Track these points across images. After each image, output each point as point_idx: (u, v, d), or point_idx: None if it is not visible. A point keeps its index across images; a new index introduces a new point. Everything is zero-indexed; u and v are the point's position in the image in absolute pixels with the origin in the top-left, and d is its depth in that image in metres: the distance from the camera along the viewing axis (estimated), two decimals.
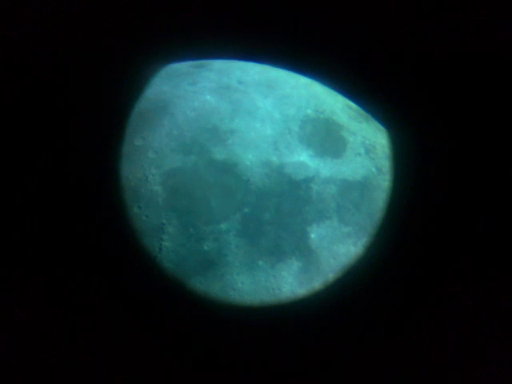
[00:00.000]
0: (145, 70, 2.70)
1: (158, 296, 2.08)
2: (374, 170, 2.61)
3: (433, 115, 2.59)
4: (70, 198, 2.25)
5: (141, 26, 2.50)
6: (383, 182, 2.60)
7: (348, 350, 2.12)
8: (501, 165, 2.07)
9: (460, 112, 2.37)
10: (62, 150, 2.32)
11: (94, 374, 1.73)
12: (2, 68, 1.82)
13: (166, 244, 2.22)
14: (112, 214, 2.25)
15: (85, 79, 2.47)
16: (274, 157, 2.52)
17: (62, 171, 2.28)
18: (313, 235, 2.34)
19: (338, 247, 2.33)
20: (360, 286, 2.31)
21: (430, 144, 2.59)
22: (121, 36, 2.51)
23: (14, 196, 1.96)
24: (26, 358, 1.51)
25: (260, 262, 2.24)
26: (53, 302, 1.89)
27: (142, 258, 2.16)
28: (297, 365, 2.02)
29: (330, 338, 2.15)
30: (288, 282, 2.21)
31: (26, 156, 2.09)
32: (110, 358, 1.85)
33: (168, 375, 1.89)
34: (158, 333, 1.99)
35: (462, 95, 2.33)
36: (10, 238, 1.85)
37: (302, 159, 2.56)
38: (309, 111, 2.71)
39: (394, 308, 2.27)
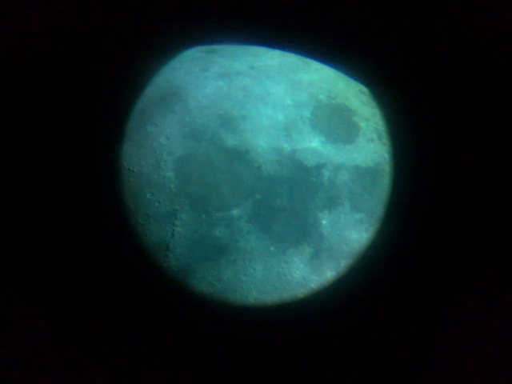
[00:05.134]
0: (158, 56, 2.70)
1: (163, 294, 2.09)
2: (386, 155, 2.59)
3: (437, 104, 2.56)
4: (73, 189, 2.26)
5: (153, 12, 2.49)
6: None
7: (360, 342, 2.12)
8: (502, 151, 2.04)
9: (464, 105, 2.34)
10: (67, 140, 2.33)
11: (95, 372, 1.74)
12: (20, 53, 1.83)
13: (179, 229, 2.23)
14: (118, 204, 2.26)
15: (95, 67, 2.48)
16: (286, 143, 2.51)
17: (66, 161, 2.29)
18: (324, 222, 2.33)
19: (350, 233, 2.33)
20: (372, 273, 2.30)
21: (433, 132, 2.57)
22: (132, 23, 2.50)
23: (15, 191, 1.97)
24: (26, 359, 1.52)
25: (272, 248, 2.24)
26: (57, 293, 1.90)
27: (148, 255, 2.16)
28: (304, 363, 2.03)
29: (342, 330, 2.15)
30: (300, 268, 2.22)
31: (28, 150, 2.09)
32: (111, 355, 1.86)
33: (171, 375, 1.90)
34: (160, 331, 2.00)
35: (467, 87, 2.30)
36: (11, 231, 1.86)
37: (314, 145, 2.54)
38: (321, 97, 2.69)
39: (406, 296, 2.27)
